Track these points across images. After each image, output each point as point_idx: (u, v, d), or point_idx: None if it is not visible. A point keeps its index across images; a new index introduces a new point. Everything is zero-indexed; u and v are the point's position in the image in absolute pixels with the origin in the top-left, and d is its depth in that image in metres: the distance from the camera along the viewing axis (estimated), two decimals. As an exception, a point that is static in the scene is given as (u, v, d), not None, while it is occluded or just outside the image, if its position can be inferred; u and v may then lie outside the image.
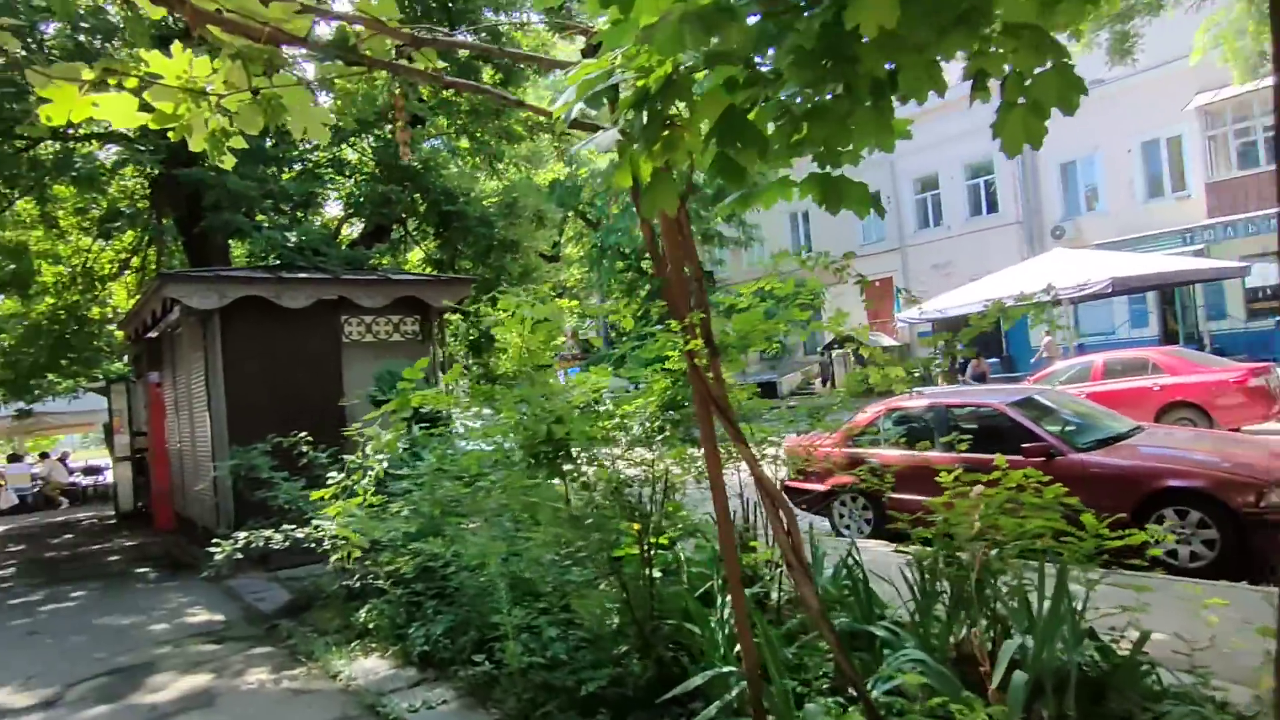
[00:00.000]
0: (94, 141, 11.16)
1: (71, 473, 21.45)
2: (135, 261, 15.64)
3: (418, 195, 11.99)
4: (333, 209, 14.75)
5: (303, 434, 6.77)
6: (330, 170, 12.13)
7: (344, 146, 12.87)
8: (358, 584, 6.15)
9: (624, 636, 4.11)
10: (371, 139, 11.98)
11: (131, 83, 2.42)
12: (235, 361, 8.67)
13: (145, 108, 2.46)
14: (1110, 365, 12.10)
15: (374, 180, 11.53)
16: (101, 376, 16.68)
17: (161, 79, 2.45)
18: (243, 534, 5.37)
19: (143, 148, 9.39)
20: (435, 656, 4.88)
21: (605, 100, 2.27)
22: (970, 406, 7.75)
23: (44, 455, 22.05)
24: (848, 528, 7.89)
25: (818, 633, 3.61)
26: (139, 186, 13.58)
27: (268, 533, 5.49)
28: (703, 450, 4.60)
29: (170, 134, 2.52)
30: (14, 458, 20.55)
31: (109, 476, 20.13)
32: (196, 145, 2.45)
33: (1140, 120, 20.96)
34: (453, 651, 4.80)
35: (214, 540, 5.80)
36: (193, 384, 9.44)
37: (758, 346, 3.99)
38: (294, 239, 9.23)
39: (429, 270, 13.27)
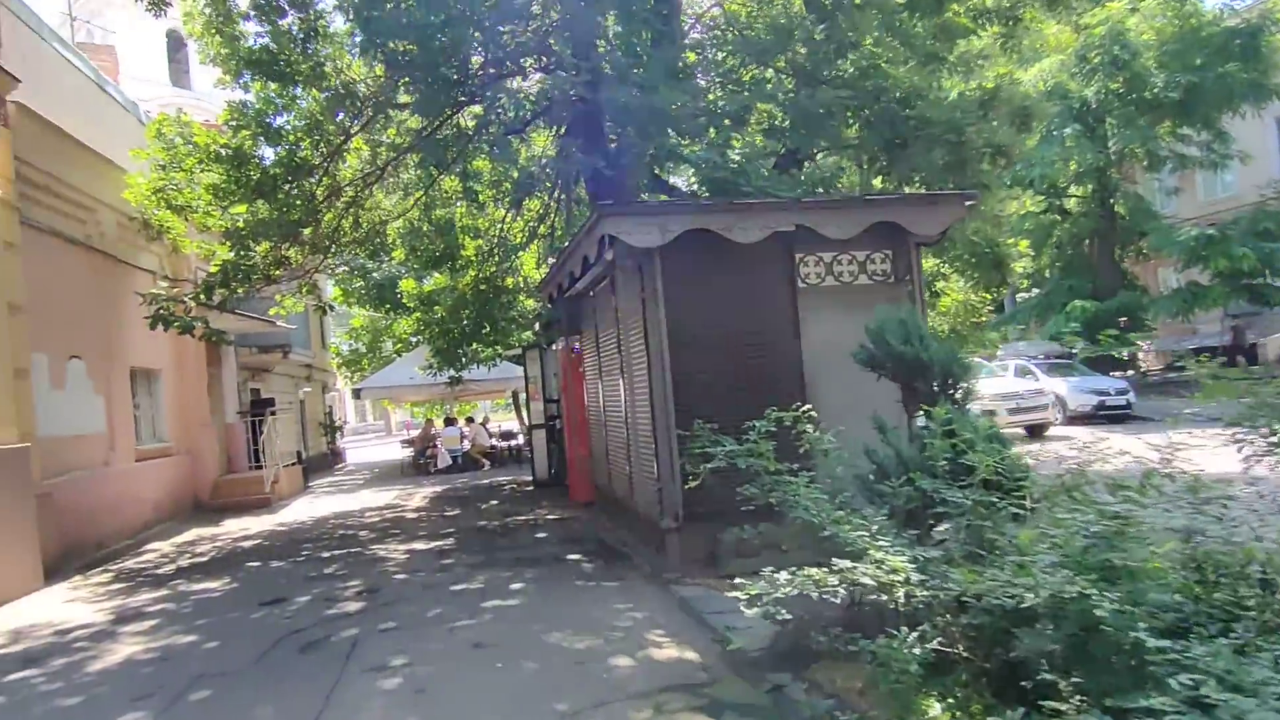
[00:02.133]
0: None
1: (490, 436, 23.16)
2: (543, 229, 15.49)
3: (856, 107, 9.40)
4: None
5: (804, 407, 4.56)
6: (749, 93, 10.07)
7: (756, 66, 10.77)
8: (918, 647, 3.76)
9: None
10: (797, 46, 9.62)
11: None
12: (677, 313, 6.90)
13: None
14: None
15: (804, 95, 9.17)
16: (516, 344, 17.09)
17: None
18: (782, 576, 3.24)
19: (565, 73, 8.06)
20: None
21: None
22: None
23: (469, 420, 24.16)
24: None
25: None
26: (547, 141, 12.95)
27: (815, 574, 3.29)
28: None
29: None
30: (449, 421, 22.62)
31: (520, 440, 21.29)
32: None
33: None
34: None
35: (721, 563, 3.83)
36: (627, 343, 7.99)
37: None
38: (736, 159, 7.20)
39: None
